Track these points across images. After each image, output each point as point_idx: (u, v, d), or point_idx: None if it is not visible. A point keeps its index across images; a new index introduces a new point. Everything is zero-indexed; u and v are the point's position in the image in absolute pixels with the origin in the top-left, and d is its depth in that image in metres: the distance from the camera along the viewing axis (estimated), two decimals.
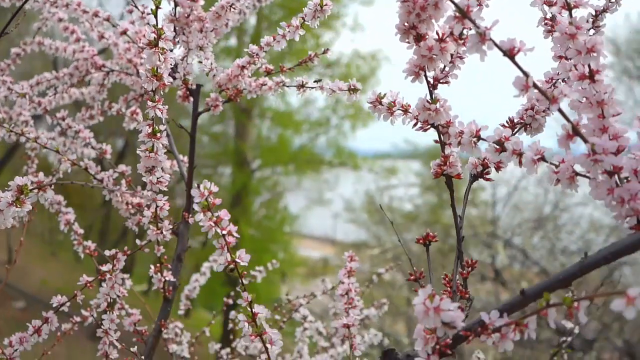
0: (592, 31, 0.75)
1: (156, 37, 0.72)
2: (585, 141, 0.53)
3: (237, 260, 0.66)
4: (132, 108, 1.23)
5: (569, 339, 1.14)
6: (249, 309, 0.68)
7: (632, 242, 0.51)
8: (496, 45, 0.53)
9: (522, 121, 0.72)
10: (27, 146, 1.37)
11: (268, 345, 0.68)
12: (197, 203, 0.64)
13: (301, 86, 0.98)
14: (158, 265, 1.00)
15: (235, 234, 0.66)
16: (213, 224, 0.65)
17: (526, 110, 0.72)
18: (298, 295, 1.43)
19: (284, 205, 12.27)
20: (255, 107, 12.03)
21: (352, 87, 0.87)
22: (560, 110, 0.53)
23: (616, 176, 0.56)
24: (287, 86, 1.00)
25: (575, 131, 0.54)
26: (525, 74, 0.53)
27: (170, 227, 0.95)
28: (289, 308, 1.41)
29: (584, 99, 0.57)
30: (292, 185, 12.55)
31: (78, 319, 1.13)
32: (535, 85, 0.53)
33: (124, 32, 1.04)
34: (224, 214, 0.66)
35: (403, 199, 10.75)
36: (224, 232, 0.65)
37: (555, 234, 6.15)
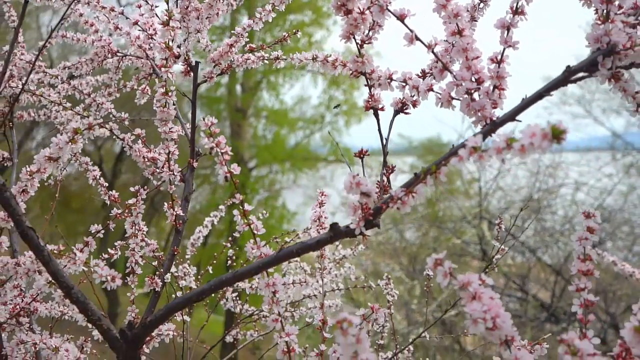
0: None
1: (168, 18, 1.00)
2: (451, 72, 0.82)
3: (232, 170, 0.95)
4: (143, 86, 1.52)
5: (498, 256, 1.42)
6: (240, 207, 0.97)
7: (484, 131, 0.80)
8: (392, 13, 0.81)
9: (430, 71, 1.01)
10: (55, 122, 1.65)
11: (255, 232, 0.97)
12: (202, 130, 0.93)
13: (277, 58, 1.27)
14: (170, 202, 1.29)
15: (229, 152, 0.94)
16: (214, 145, 0.93)
17: (433, 62, 1.01)
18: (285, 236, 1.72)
19: (282, 202, 12.56)
20: (250, 107, 12.34)
21: (314, 56, 1.16)
22: (434, 54, 0.82)
23: (477, 96, 0.85)
24: (267, 60, 1.29)
25: (444, 67, 0.82)
26: (411, 30, 0.82)
27: (180, 169, 1.23)
28: (277, 246, 1.70)
29: (454, 47, 0.85)
30: (289, 182, 12.84)
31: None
32: (417, 38, 0.81)
33: (136, 23, 1.32)
34: (222, 139, 0.94)
35: None
36: (222, 150, 0.94)
37: (532, 214, 6.46)
